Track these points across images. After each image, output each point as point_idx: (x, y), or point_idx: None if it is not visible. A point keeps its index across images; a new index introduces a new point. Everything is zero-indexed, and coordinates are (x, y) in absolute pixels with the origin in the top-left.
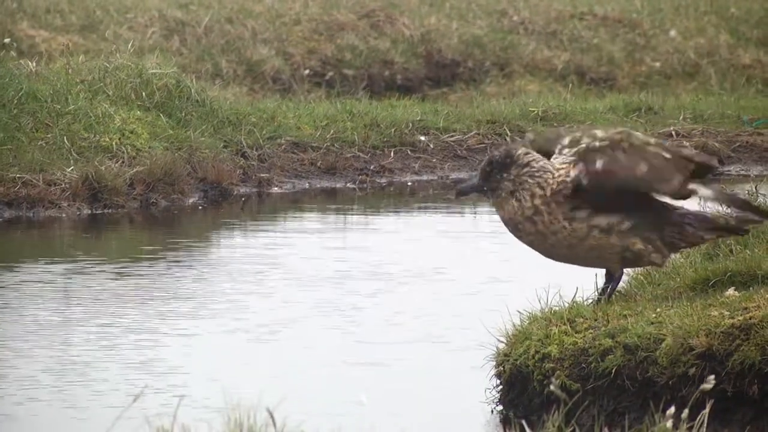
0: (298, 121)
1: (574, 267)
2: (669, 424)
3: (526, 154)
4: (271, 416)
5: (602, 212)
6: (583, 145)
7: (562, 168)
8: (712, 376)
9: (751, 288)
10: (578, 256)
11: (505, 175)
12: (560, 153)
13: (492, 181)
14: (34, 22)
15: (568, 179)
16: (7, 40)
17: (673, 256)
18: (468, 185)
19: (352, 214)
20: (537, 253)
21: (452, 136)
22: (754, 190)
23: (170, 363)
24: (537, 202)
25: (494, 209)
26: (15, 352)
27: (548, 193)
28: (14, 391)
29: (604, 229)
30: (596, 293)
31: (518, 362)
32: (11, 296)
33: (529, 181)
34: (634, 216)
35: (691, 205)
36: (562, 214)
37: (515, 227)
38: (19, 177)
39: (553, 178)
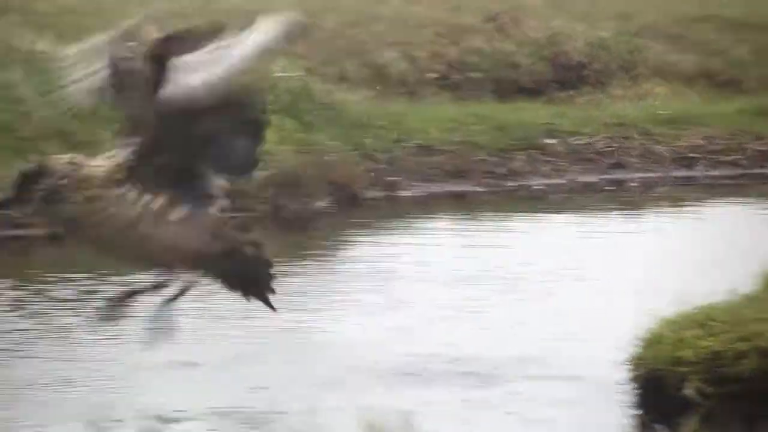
0: (425, 125)
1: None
2: None
3: (58, 161)
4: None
5: (151, 192)
6: None
7: (108, 157)
8: None
9: None
10: (129, 246)
11: (35, 186)
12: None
13: (24, 193)
14: None
15: (120, 161)
16: None
17: None
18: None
19: (484, 217)
20: (102, 253)
21: (580, 140)
22: None
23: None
24: (88, 194)
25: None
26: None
27: (96, 183)
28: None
29: (156, 214)
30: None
31: (652, 366)
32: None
33: (64, 183)
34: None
35: None
36: (116, 197)
37: (76, 226)
38: None
39: (100, 169)
